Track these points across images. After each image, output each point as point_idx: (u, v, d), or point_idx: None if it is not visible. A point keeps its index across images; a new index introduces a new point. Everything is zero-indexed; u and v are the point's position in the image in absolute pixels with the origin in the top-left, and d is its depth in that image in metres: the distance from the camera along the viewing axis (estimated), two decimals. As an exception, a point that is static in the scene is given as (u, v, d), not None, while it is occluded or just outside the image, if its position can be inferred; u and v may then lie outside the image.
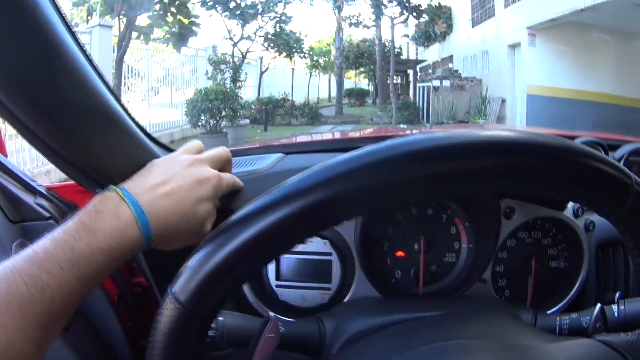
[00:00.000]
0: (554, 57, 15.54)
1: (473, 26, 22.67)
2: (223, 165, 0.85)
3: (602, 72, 15.01)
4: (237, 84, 17.64)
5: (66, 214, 0.94)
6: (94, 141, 0.73)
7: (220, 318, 0.73)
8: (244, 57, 20.42)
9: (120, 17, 13.07)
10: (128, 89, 13.75)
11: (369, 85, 32.36)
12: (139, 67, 14.79)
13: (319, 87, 31.69)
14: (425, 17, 26.23)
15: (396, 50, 30.46)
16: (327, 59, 29.36)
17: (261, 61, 23.01)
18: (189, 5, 16.84)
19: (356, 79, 35.33)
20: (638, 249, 0.55)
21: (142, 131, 0.86)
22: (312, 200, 0.50)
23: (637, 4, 10.66)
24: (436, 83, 19.82)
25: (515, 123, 16.52)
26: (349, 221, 0.93)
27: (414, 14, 25.59)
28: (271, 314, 0.71)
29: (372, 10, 25.08)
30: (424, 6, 25.82)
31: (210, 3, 18.96)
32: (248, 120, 16.92)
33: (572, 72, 15.27)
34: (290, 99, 22.71)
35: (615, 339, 0.61)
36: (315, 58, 29.45)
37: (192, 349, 0.55)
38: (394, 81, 26.36)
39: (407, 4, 24.65)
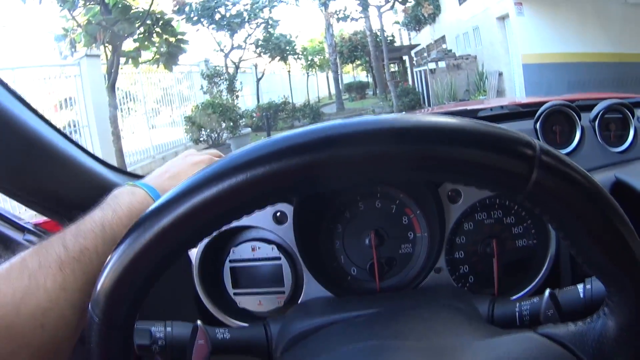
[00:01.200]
0: (544, 23, 15.42)
1: (460, 4, 22.43)
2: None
3: (594, 31, 14.91)
4: (234, 94, 17.65)
5: None
6: (42, 178, 0.79)
7: (168, 329, 0.75)
8: (237, 66, 20.40)
9: (105, 45, 13.08)
10: (127, 114, 13.75)
11: (367, 77, 32.22)
12: (135, 91, 14.76)
13: (317, 86, 31.60)
14: (411, 2, 26.07)
15: (389, 38, 30.24)
16: (322, 57, 29.29)
17: (256, 68, 22.98)
18: (174, 23, 16.83)
19: (354, 73, 35.15)
20: (556, 223, 0.50)
21: (96, 160, 0.92)
22: (204, 197, 0.49)
23: None
24: (432, 66, 19.82)
25: (515, 94, 16.41)
26: (288, 224, 0.97)
27: (399, 0, 25.48)
28: (198, 322, 0.74)
29: (358, 2, 25.02)
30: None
31: (195, 18, 18.95)
32: (250, 129, 16.93)
33: (564, 36, 15.15)
34: (291, 101, 22.66)
35: (561, 331, 0.56)
36: (310, 58, 29.37)
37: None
38: (391, 69, 26.22)
39: (391, -10, 24.53)
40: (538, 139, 1.06)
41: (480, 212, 0.96)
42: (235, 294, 1.02)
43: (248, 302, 1.01)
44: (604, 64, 14.53)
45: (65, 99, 10.48)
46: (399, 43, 31.51)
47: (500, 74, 17.77)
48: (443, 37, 26.46)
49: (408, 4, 26.02)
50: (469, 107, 1.43)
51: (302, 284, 0.98)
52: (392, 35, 30.79)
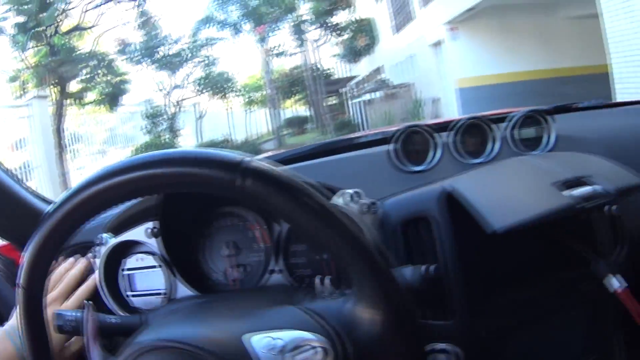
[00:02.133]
0: (478, 46, 15.63)
1: (395, 33, 22.83)
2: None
3: (528, 50, 15.25)
4: (175, 134, 17.67)
5: (9, 267, 1.30)
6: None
7: (77, 314, 0.91)
8: (178, 106, 20.43)
9: (53, 86, 13.03)
10: (74, 156, 13.60)
11: (307, 111, 32.43)
12: (83, 132, 14.56)
13: (257, 123, 31.65)
14: (346, 34, 26.42)
15: (327, 71, 30.57)
16: (262, 93, 29.33)
17: (197, 107, 22.96)
18: (117, 63, 16.85)
19: (294, 107, 35.33)
20: (275, 217, 0.65)
21: (19, 185, 1.15)
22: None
23: None
24: (368, 97, 20.01)
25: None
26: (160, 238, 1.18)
27: (335, 32, 25.88)
28: (88, 302, 0.91)
29: (294, 37, 25.37)
30: (344, 23, 26.05)
31: (137, 57, 19.00)
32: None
33: (498, 57, 15.40)
34: (231, 139, 22.68)
35: (318, 305, 0.71)
36: (250, 94, 29.41)
37: (41, 329, 0.75)
38: (331, 102, 26.50)
39: (326, 25, 25.02)
40: (398, 159, 1.34)
41: None
42: (128, 295, 1.23)
43: (139, 301, 1.22)
44: (540, 81, 14.74)
45: (19, 140, 10.36)
46: (338, 75, 31.93)
47: (436, 100, 17.99)
48: (380, 67, 26.83)
49: (343, 37, 26.52)
50: (351, 136, 1.60)
51: (176, 286, 1.17)
52: (330, 69, 31.23)
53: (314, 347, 0.64)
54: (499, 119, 1.48)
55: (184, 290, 1.15)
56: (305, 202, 0.63)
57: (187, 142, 19.82)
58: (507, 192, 1.06)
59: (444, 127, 1.45)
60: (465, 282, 1.05)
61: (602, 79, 9.53)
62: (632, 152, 1.40)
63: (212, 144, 20.14)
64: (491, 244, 1.04)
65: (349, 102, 25.57)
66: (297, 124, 30.24)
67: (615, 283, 1.00)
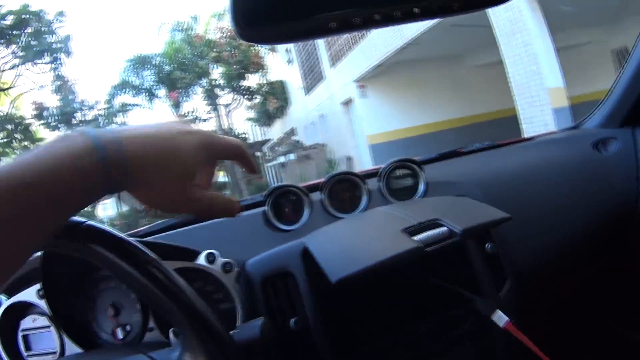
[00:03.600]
0: (387, 101, 15.86)
1: (307, 94, 23.07)
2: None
3: (439, 101, 15.65)
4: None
5: None
6: None
7: None
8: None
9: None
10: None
11: (224, 177, 32.35)
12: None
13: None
14: (258, 97, 26.81)
15: (242, 135, 30.71)
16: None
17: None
18: (33, 128, 16.45)
19: (210, 174, 35.18)
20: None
21: None
22: None
23: (454, 24, 10.97)
24: (282, 159, 20.05)
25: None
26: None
27: (247, 96, 26.16)
28: None
29: (207, 101, 25.47)
30: (256, 86, 26.39)
31: (54, 123, 18.64)
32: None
33: (409, 111, 15.68)
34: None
35: (157, 353, 0.75)
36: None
37: None
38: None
39: (237, 88, 25.26)
40: (271, 219, 1.44)
41: None
42: (28, 356, 1.22)
43: None
44: (454, 129, 15.24)
45: None
46: (253, 139, 32.10)
47: (350, 159, 18.16)
48: (293, 129, 27.02)
49: (256, 100, 26.89)
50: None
51: (66, 346, 1.17)
52: (245, 133, 31.34)
53: None
54: (375, 173, 1.57)
55: (74, 349, 1.15)
56: (126, 258, 0.66)
57: (107, 212, 19.36)
58: (354, 242, 1.08)
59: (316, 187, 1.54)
60: (330, 333, 1.11)
61: (513, 121, 9.93)
62: (505, 188, 1.58)
63: (132, 213, 19.74)
64: (361, 293, 1.18)
65: (265, 166, 25.65)
66: (215, 190, 30.01)
67: (498, 318, 1.08)
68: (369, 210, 1.36)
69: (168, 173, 0.67)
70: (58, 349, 1.16)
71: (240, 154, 0.79)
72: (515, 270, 1.34)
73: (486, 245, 1.29)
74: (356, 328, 1.16)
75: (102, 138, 0.61)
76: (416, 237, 0.96)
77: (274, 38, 0.73)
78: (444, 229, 0.99)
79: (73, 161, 0.57)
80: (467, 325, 1.19)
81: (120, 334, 1.17)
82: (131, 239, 0.68)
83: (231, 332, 0.76)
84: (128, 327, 1.18)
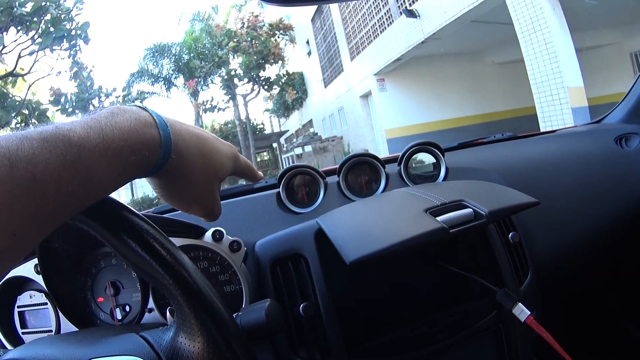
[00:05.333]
0: (406, 96, 15.72)
1: (326, 86, 22.95)
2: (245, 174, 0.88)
3: (459, 97, 15.53)
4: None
5: None
6: None
7: None
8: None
9: (-17, 132, 12.75)
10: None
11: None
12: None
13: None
14: (276, 88, 26.84)
15: (259, 126, 30.72)
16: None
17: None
18: (49, 113, 16.51)
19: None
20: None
21: None
22: None
23: (474, 20, 10.97)
24: (299, 151, 20.01)
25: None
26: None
27: (265, 86, 26.16)
28: None
29: (225, 91, 25.54)
30: (274, 77, 26.39)
31: (70, 109, 18.68)
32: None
33: (427, 106, 15.56)
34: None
35: (154, 334, 0.71)
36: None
37: None
38: (264, 157, 26.43)
39: (256, 79, 25.24)
40: (288, 201, 1.43)
41: None
42: (23, 332, 1.19)
43: (28, 338, 1.18)
44: (472, 126, 15.09)
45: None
46: (270, 130, 32.07)
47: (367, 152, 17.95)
48: (310, 121, 26.90)
49: (273, 91, 27.03)
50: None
51: (62, 324, 1.14)
52: (263, 123, 31.35)
53: None
54: (394, 160, 1.56)
55: (70, 328, 1.11)
56: (123, 231, 0.63)
57: (121, 198, 19.36)
58: (372, 222, 1.02)
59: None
60: (342, 321, 1.06)
61: (531, 119, 9.81)
62: (527, 177, 1.54)
63: (145, 200, 19.76)
64: (376, 280, 1.14)
65: (281, 157, 25.62)
66: (230, 180, 29.97)
67: (519, 312, 1.03)
68: (389, 191, 1.27)
69: (206, 170, 0.71)
70: (54, 327, 1.13)
71: (252, 176, 0.88)
72: (537, 261, 1.30)
73: (510, 234, 1.23)
74: (370, 317, 1.11)
75: (164, 118, 0.64)
76: (440, 218, 0.90)
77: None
78: (469, 210, 0.93)
79: (138, 135, 0.58)
80: (487, 319, 1.13)
81: (118, 314, 1.14)
82: (129, 207, 0.65)
83: (234, 314, 0.73)
84: (127, 308, 1.16)
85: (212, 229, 1.07)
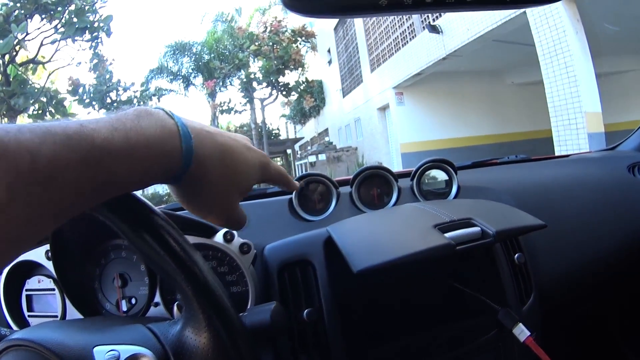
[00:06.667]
0: (423, 111, 15.75)
1: (344, 96, 23.05)
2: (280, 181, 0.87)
3: (475, 115, 15.53)
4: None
5: None
6: None
7: None
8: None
9: (2, 116, 12.83)
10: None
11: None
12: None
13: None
14: (294, 94, 26.92)
15: (275, 131, 30.92)
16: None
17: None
18: (66, 103, 16.65)
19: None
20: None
21: None
22: None
23: (496, 39, 11.02)
24: (312, 159, 19.99)
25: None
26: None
27: (283, 92, 26.21)
28: None
29: (242, 94, 25.64)
30: (293, 83, 26.46)
31: (87, 100, 18.81)
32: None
33: (443, 123, 15.58)
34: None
35: (160, 326, 0.72)
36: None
37: None
38: (277, 163, 26.49)
39: (275, 84, 25.30)
40: (300, 209, 1.45)
41: None
42: (29, 316, 1.20)
43: (34, 321, 1.19)
44: (487, 146, 15.02)
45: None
46: (285, 136, 32.27)
47: (380, 165, 17.97)
48: (326, 130, 27.03)
49: (291, 97, 27.06)
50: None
51: (69, 311, 1.15)
52: (278, 129, 31.58)
53: None
54: (407, 174, 1.57)
55: (76, 315, 1.13)
56: (136, 223, 0.64)
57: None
58: (381, 233, 1.05)
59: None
60: (344, 329, 1.07)
61: (546, 142, 9.80)
62: (538, 199, 1.54)
63: (155, 197, 19.88)
64: (382, 291, 1.14)
65: (294, 164, 25.75)
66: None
67: (519, 332, 1.03)
68: (400, 205, 1.31)
69: (230, 182, 0.70)
70: (60, 313, 1.14)
71: (286, 182, 0.87)
72: (541, 283, 1.30)
73: (515, 255, 1.24)
74: (373, 326, 1.12)
75: (188, 126, 0.62)
76: (447, 234, 0.92)
77: (318, 10, 0.71)
78: (477, 228, 0.96)
79: (161, 144, 0.57)
80: (488, 336, 1.15)
81: (124, 305, 1.15)
82: (147, 201, 0.66)
83: (240, 314, 0.73)
84: (133, 300, 1.16)
85: (224, 230, 1.07)
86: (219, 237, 1.07)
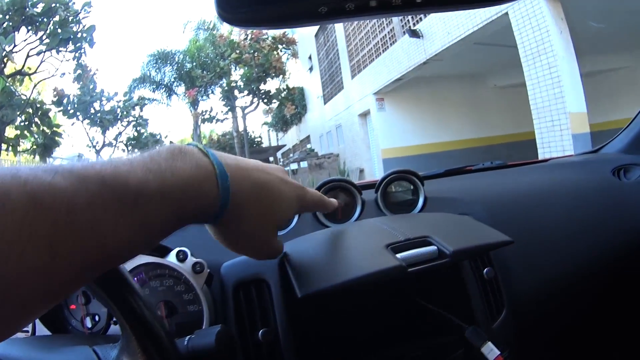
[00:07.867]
0: (404, 116, 15.73)
1: (325, 103, 23.04)
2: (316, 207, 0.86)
3: (458, 119, 15.53)
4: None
5: None
6: None
7: None
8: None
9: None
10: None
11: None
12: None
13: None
14: (275, 102, 26.92)
15: (257, 139, 30.89)
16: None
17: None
18: (51, 114, 16.64)
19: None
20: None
21: None
22: None
23: (477, 42, 11.01)
24: (294, 166, 19.87)
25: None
26: None
27: (265, 100, 26.21)
28: None
29: (224, 102, 25.58)
30: (274, 90, 26.44)
31: (72, 111, 18.81)
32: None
33: (425, 127, 15.56)
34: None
35: (100, 349, 0.72)
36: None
37: None
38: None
39: (256, 91, 25.28)
40: None
41: (154, 281, 1.07)
42: None
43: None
44: (466, 150, 15.07)
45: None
46: (267, 144, 32.26)
47: (362, 171, 18.11)
48: (308, 137, 26.93)
49: (272, 105, 27.03)
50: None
51: (37, 327, 1.15)
52: (260, 137, 31.52)
53: None
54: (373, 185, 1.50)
55: (45, 331, 1.09)
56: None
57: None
58: (333, 254, 0.98)
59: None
60: (300, 350, 1.04)
61: (530, 145, 9.79)
62: (512, 209, 1.48)
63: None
64: (341, 309, 1.10)
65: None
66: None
67: (488, 351, 0.98)
68: (359, 221, 1.28)
69: (267, 218, 0.68)
70: (30, 329, 1.09)
71: (324, 206, 0.87)
72: (514, 299, 1.25)
73: (485, 269, 1.19)
74: (331, 347, 1.08)
75: (224, 164, 0.60)
76: (400, 255, 0.86)
77: (255, 21, 0.66)
78: (433, 247, 0.89)
79: (197, 185, 0.56)
80: (455, 355, 1.07)
81: (88, 322, 1.11)
82: None
83: (187, 337, 0.71)
84: (97, 317, 1.11)
85: (177, 249, 1.04)
86: (172, 257, 1.04)
